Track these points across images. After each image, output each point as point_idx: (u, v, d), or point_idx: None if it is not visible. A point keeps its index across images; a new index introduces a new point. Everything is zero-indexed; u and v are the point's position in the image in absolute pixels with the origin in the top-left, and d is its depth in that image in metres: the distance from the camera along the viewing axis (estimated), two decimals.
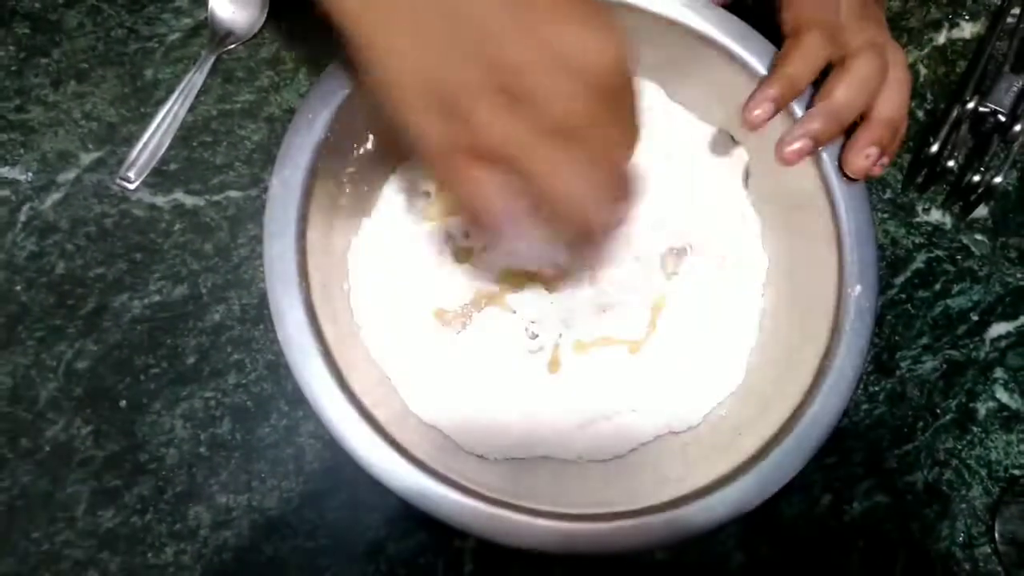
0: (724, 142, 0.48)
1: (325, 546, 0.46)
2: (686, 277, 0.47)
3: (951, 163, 0.52)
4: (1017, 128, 0.51)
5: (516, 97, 0.29)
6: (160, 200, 0.50)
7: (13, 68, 0.51)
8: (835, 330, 0.41)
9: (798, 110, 0.43)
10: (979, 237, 0.54)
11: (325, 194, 0.42)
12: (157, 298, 0.48)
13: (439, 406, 0.44)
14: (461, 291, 0.46)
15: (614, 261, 0.47)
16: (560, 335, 0.46)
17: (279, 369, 0.48)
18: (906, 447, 0.50)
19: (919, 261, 0.54)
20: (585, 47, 0.29)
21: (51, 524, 0.45)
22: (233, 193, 0.50)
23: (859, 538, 0.49)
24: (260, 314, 0.48)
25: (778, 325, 0.46)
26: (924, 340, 0.52)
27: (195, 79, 0.51)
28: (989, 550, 0.49)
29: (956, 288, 0.53)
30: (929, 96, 0.57)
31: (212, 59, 0.52)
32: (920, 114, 0.56)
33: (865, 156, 0.42)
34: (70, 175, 0.50)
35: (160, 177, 0.50)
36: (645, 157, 0.48)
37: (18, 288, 0.48)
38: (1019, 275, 0.54)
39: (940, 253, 0.54)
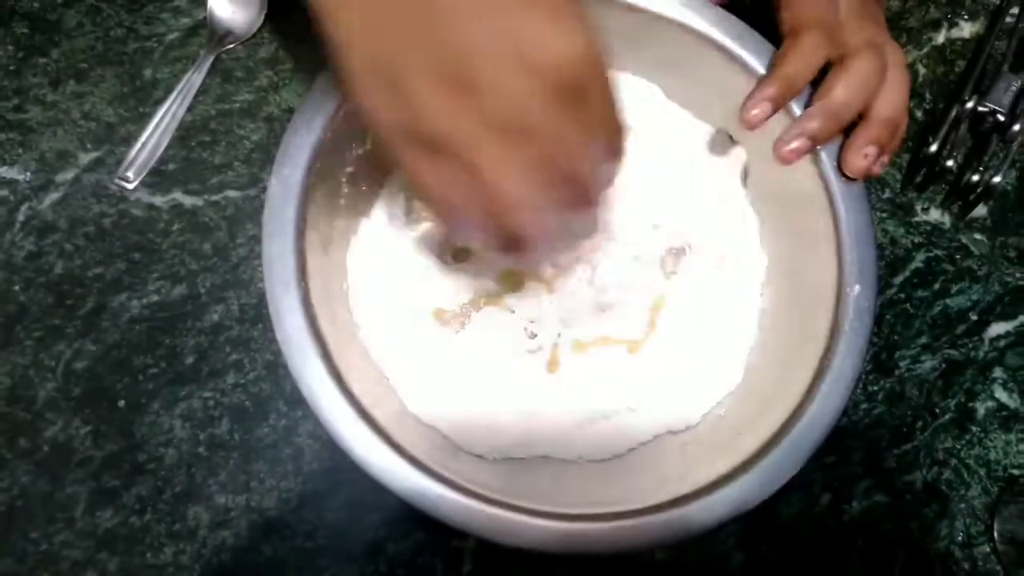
0: (723, 142, 0.48)
1: (324, 546, 0.46)
2: (685, 277, 0.47)
3: (950, 163, 0.52)
4: (1016, 127, 0.51)
5: (461, 85, 0.28)
6: (159, 200, 0.50)
7: (12, 68, 0.51)
8: (834, 330, 0.41)
9: (797, 109, 0.43)
10: (978, 236, 0.54)
11: (324, 194, 0.42)
12: (156, 298, 0.48)
13: (438, 406, 0.44)
14: (460, 291, 0.46)
15: (613, 260, 0.47)
16: (559, 335, 0.46)
17: (278, 369, 0.48)
18: (905, 447, 0.50)
19: (918, 261, 0.54)
20: (547, 41, 0.27)
21: (50, 524, 0.45)
22: (232, 193, 0.50)
23: (858, 537, 0.49)
24: (259, 314, 0.48)
25: (777, 325, 0.46)
26: (923, 340, 0.52)
27: (194, 79, 0.51)
28: (988, 549, 0.49)
29: (955, 288, 0.53)
30: (928, 96, 0.57)
31: (211, 59, 0.52)
32: (919, 114, 0.56)
33: (864, 156, 0.42)
34: (68, 175, 0.50)
35: (159, 177, 0.50)
36: (644, 157, 0.48)
37: (16, 288, 0.48)
38: (1018, 275, 0.54)
39: (939, 253, 0.54)
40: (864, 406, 0.51)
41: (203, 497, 0.46)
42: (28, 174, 0.49)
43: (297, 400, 0.47)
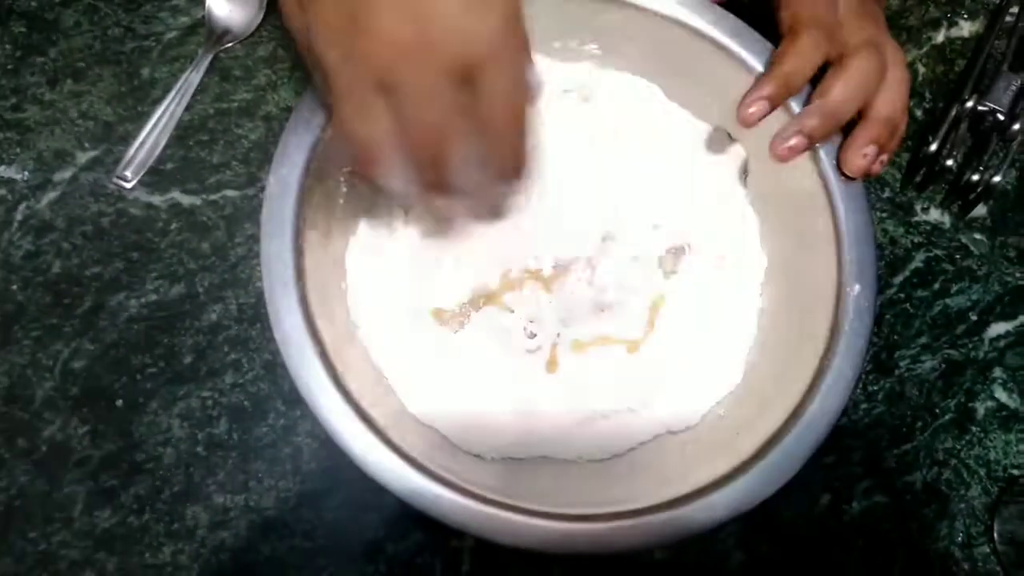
0: (722, 141, 0.48)
1: (323, 546, 0.46)
2: (684, 276, 0.47)
3: (950, 162, 0.52)
4: (1016, 127, 0.51)
5: (360, 29, 0.29)
6: (157, 199, 0.50)
7: (9, 67, 0.51)
8: (834, 330, 0.41)
9: (796, 108, 0.43)
10: (978, 236, 0.54)
11: (323, 194, 0.42)
12: (154, 297, 0.48)
13: (436, 406, 0.44)
14: (459, 290, 0.46)
15: (612, 260, 0.46)
16: (558, 334, 0.46)
17: (276, 369, 0.47)
18: (905, 447, 0.50)
19: (918, 260, 0.53)
20: (446, 20, 0.28)
21: (48, 524, 0.45)
22: (230, 192, 0.50)
23: (858, 538, 0.49)
24: (257, 313, 0.48)
25: (777, 324, 0.46)
26: (923, 339, 0.52)
27: (192, 78, 0.51)
28: (988, 550, 0.49)
29: (955, 287, 0.53)
30: (928, 95, 0.57)
31: (209, 58, 0.52)
32: (919, 113, 0.56)
33: (863, 155, 0.42)
34: (66, 174, 0.50)
35: (157, 176, 0.50)
36: (643, 156, 0.48)
37: (14, 287, 0.48)
38: (1018, 274, 0.54)
39: (939, 252, 0.54)
40: (864, 406, 0.51)
41: (201, 497, 0.46)
42: (26, 173, 0.49)
43: (295, 400, 0.47)
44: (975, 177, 0.51)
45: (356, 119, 0.32)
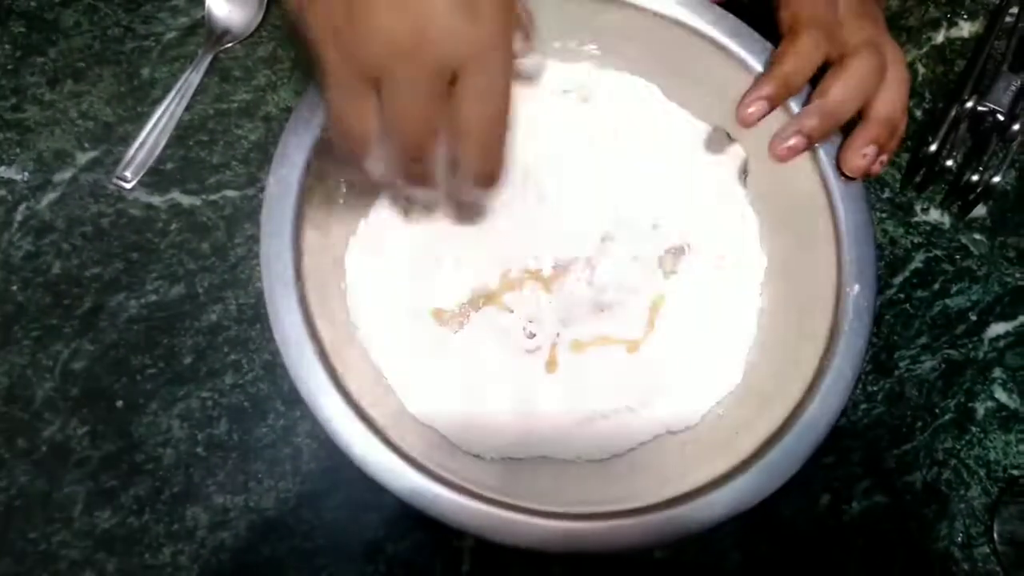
0: (721, 141, 0.48)
1: (323, 546, 0.46)
2: (684, 276, 0.47)
3: (949, 162, 0.52)
4: (1015, 127, 0.51)
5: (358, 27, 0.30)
6: (156, 200, 0.50)
7: (9, 67, 0.51)
8: (833, 330, 0.41)
9: (795, 108, 0.43)
10: (977, 237, 0.54)
11: (323, 194, 0.42)
12: (154, 298, 0.48)
13: (436, 406, 0.44)
14: (459, 290, 0.46)
15: (612, 260, 0.46)
16: (558, 334, 0.46)
17: (276, 369, 0.47)
18: (905, 447, 0.50)
19: (918, 261, 0.53)
20: (435, 22, 0.29)
21: (48, 524, 0.45)
22: (230, 192, 0.50)
23: (858, 538, 0.49)
24: (257, 314, 0.48)
25: (776, 324, 0.46)
26: (923, 340, 0.52)
27: (192, 78, 0.51)
28: (988, 550, 0.49)
29: (955, 288, 0.53)
30: (927, 95, 0.57)
31: (209, 58, 0.52)
32: (918, 113, 0.56)
33: (863, 155, 0.42)
34: (66, 174, 0.50)
35: (156, 176, 0.50)
36: (643, 156, 0.48)
37: (14, 288, 0.48)
38: (1018, 275, 0.54)
39: (939, 253, 0.54)
40: (864, 406, 0.51)
41: (201, 497, 0.46)
42: (26, 174, 0.49)
43: (295, 400, 0.47)
44: (975, 177, 0.51)
45: (347, 109, 0.33)
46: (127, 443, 0.46)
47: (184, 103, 0.51)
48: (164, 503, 0.45)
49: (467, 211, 0.46)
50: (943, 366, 0.52)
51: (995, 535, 0.49)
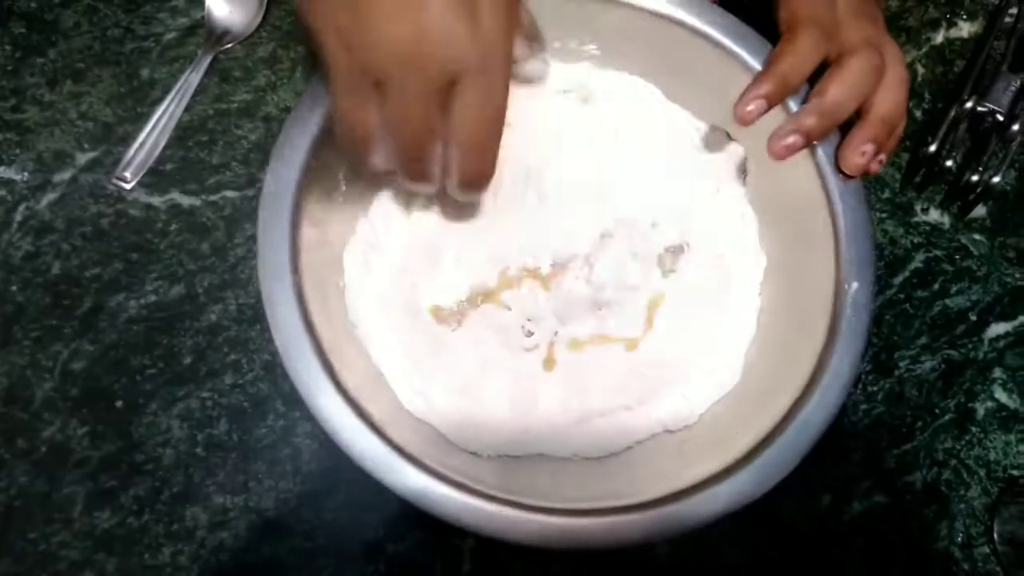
0: (721, 140, 0.48)
1: (323, 546, 0.46)
2: (683, 275, 0.47)
3: (949, 163, 0.52)
4: (1015, 128, 0.51)
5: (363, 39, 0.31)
6: (156, 200, 0.50)
7: (9, 68, 0.51)
8: (832, 328, 0.41)
9: (794, 106, 0.43)
10: (977, 237, 0.54)
11: (321, 191, 0.42)
12: (153, 298, 0.48)
13: (433, 403, 0.44)
14: (457, 288, 0.46)
15: (611, 258, 0.46)
16: (556, 332, 0.46)
17: (276, 369, 0.47)
18: (905, 447, 0.50)
19: (918, 261, 0.53)
20: (435, 32, 0.30)
21: (47, 525, 0.45)
22: (230, 193, 0.50)
23: (858, 538, 0.49)
24: (257, 314, 0.48)
25: (775, 323, 0.46)
26: (923, 340, 0.52)
27: (191, 78, 0.51)
28: (988, 550, 0.49)
29: (954, 288, 0.53)
30: (927, 96, 0.57)
31: (209, 58, 0.52)
32: (918, 114, 0.56)
33: (861, 154, 0.42)
34: (66, 175, 0.50)
35: (156, 177, 0.50)
36: (643, 155, 0.48)
37: (14, 288, 0.48)
38: (1017, 275, 0.54)
39: (938, 253, 0.54)
40: (864, 406, 0.51)
41: (201, 497, 0.46)
42: (25, 174, 0.49)
43: (295, 400, 0.46)
44: (974, 178, 0.52)
45: (351, 108, 0.34)
46: (127, 443, 0.46)
47: (184, 104, 0.51)
48: (164, 503, 0.45)
49: (465, 209, 0.46)
50: (943, 366, 0.52)
51: (995, 535, 0.49)
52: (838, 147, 0.43)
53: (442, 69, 0.31)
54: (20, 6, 0.52)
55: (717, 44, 0.44)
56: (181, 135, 0.51)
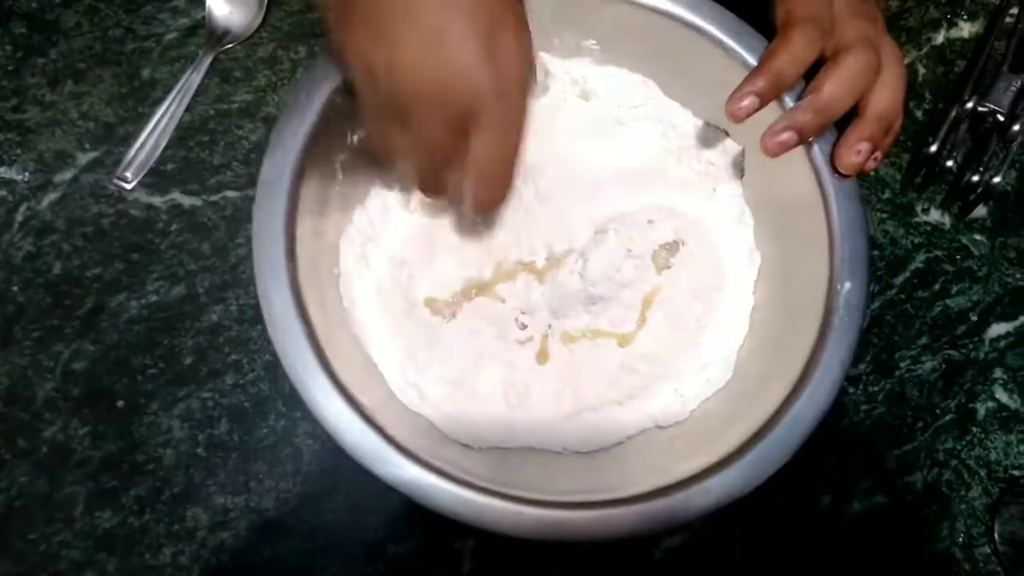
0: (718, 137, 0.48)
1: (323, 547, 0.46)
2: (677, 271, 0.47)
3: (950, 163, 0.52)
4: (1016, 128, 0.51)
5: (389, 78, 0.34)
6: (157, 200, 0.50)
7: (10, 68, 0.51)
8: (824, 326, 0.41)
9: (790, 103, 0.43)
10: (978, 237, 0.54)
11: (318, 180, 0.42)
12: (154, 298, 0.48)
13: (426, 394, 0.44)
14: (452, 280, 0.46)
15: (606, 253, 0.46)
16: (549, 326, 0.46)
17: (277, 370, 0.47)
18: (906, 447, 0.50)
19: (918, 261, 0.53)
20: (455, 69, 0.33)
21: (48, 525, 0.45)
22: (230, 193, 0.50)
23: (859, 538, 0.49)
24: (258, 314, 0.48)
25: (768, 320, 0.46)
26: (923, 340, 0.52)
27: (192, 79, 0.51)
28: (989, 550, 0.49)
29: (955, 288, 0.53)
30: (928, 96, 0.57)
31: (209, 59, 0.52)
32: (919, 114, 0.56)
33: (856, 152, 0.42)
34: (67, 175, 0.50)
35: (157, 177, 0.50)
36: (639, 151, 0.48)
37: (15, 288, 0.48)
38: (1018, 275, 0.54)
39: (939, 253, 0.54)
40: (864, 407, 0.51)
41: (202, 498, 0.46)
42: (26, 174, 0.49)
43: (296, 401, 0.46)
44: (975, 178, 0.51)
45: (378, 131, 0.38)
46: (128, 443, 0.46)
47: (185, 104, 0.51)
48: (165, 503, 0.45)
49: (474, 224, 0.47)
50: (944, 366, 0.52)
51: (996, 535, 0.49)
52: (834, 145, 0.43)
53: (462, 107, 0.33)
54: (21, 6, 0.52)
55: (716, 41, 0.44)
56: (182, 135, 0.51)
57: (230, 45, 0.53)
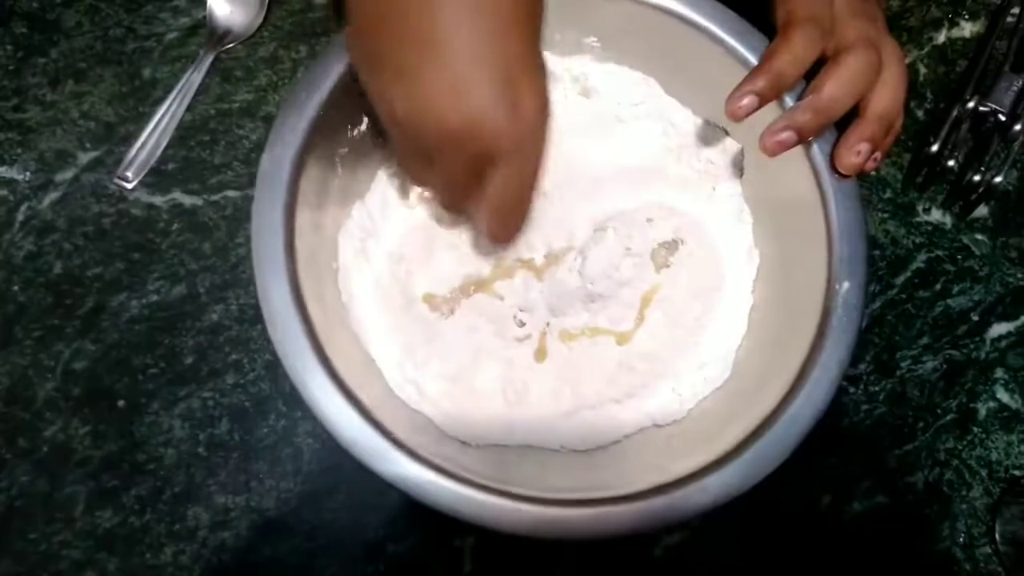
0: (718, 136, 0.48)
1: (324, 546, 0.46)
2: (676, 270, 0.47)
3: (951, 163, 0.52)
4: (1017, 127, 0.51)
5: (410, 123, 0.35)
6: (158, 200, 0.50)
7: (11, 67, 0.51)
8: (822, 325, 0.41)
9: (790, 102, 0.43)
10: (979, 237, 0.54)
11: (317, 174, 0.42)
12: (155, 298, 0.48)
13: (424, 391, 0.44)
14: (450, 277, 0.46)
15: (605, 251, 0.46)
16: (548, 323, 0.46)
17: (277, 369, 0.47)
18: (906, 447, 0.50)
19: (919, 261, 0.53)
20: (476, 112, 0.33)
21: (49, 524, 0.45)
22: (231, 193, 0.50)
23: (859, 538, 0.49)
24: (258, 314, 0.47)
25: (767, 320, 0.46)
26: (924, 340, 0.52)
27: (193, 78, 0.51)
28: (989, 551, 0.49)
29: (956, 288, 0.53)
30: (929, 95, 0.57)
31: (210, 58, 0.52)
32: (920, 113, 0.56)
33: (856, 153, 0.42)
34: (68, 175, 0.50)
35: (158, 176, 0.50)
36: (639, 149, 0.48)
37: (16, 288, 0.48)
38: (1019, 275, 0.54)
39: (940, 253, 0.54)
40: (865, 407, 0.51)
41: (202, 497, 0.46)
42: (27, 174, 0.49)
43: (296, 400, 0.46)
44: (976, 178, 0.51)
45: (404, 163, 0.42)
46: (128, 443, 0.46)
47: (185, 103, 0.51)
48: (165, 503, 0.45)
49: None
50: (945, 366, 0.52)
51: (997, 535, 0.49)
52: (834, 145, 0.43)
53: (482, 150, 0.34)
54: (22, 6, 0.52)
55: (717, 40, 0.44)
56: (183, 135, 0.51)
57: (231, 44, 0.53)
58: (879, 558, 0.49)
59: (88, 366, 0.47)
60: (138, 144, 0.50)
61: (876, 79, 0.42)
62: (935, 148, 0.52)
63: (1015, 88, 0.52)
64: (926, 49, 0.58)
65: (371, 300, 0.45)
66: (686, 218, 0.48)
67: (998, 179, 0.51)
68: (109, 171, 0.50)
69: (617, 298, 0.46)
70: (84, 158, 0.50)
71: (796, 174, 0.44)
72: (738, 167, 0.48)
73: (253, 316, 0.48)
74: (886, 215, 0.54)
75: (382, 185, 0.47)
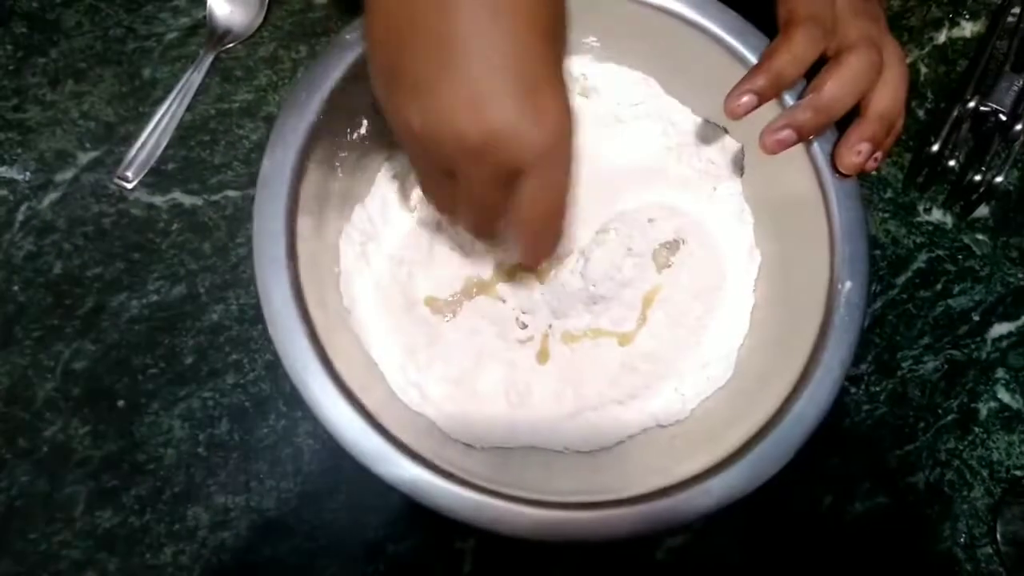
0: (718, 136, 0.48)
1: (324, 546, 0.46)
2: (678, 270, 0.47)
3: (952, 163, 0.52)
4: (1018, 127, 0.51)
5: (431, 135, 0.33)
6: (158, 200, 0.50)
7: (11, 67, 0.51)
8: (824, 325, 0.41)
9: (790, 101, 0.43)
10: (980, 237, 0.54)
11: (318, 177, 0.42)
12: (155, 298, 0.48)
13: (427, 394, 0.44)
14: (452, 279, 0.46)
15: (606, 253, 0.46)
16: (550, 325, 0.46)
17: (277, 369, 0.47)
18: (907, 447, 0.50)
19: (920, 261, 0.53)
20: (505, 127, 0.31)
21: (49, 524, 0.45)
22: (231, 192, 0.50)
23: (860, 538, 0.49)
24: (258, 314, 0.48)
25: (769, 319, 0.46)
26: (925, 340, 0.52)
27: (193, 78, 0.51)
28: (991, 551, 0.49)
29: (957, 288, 0.53)
30: (930, 95, 0.57)
31: (210, 58, 0.52)
32: (921, 113, 0.56)
33: (857, 152, 0.42)
34: (68, 174, 0.50)
35: (158, 176, 0.50)
36: (640, 149, 0.48)
37: (15, 288, 0.48)
38: (1020, 275, 0.54)
39: (941, 253, 0.54)
40: (866, 407, 0.51)
41: (202, 497, 0.46)
42: (27, 174, 0.49)
43: (297, 400, 0.46)
44: (977, 177, 0.51)
45: (427, 185, 0.39)
46: (128, 443, 0.46)
47: (185, 103, 0.51)
48: (165, 503, 0.45)
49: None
50: (946, 366, 0.52)
51: (998, 536, 0.49)
52: (835, 145, 0.43)
53: (507, 164, 0.33)
54: (22, 6, 0.52)
55: (717, 39, 0.44)
56: (183, 135, 0.51)
57: (231, 44, 0.53)
58: (880, 559, 0.49)
59: (88, 366, 0.47)
60: (138, 144, 0.50)
61: (877, 79, 0.41)
62: (936, 148, 0.52)
63: (1016, 88, 0.52)
64: (927, 49, 0.58)
65: (373, 303, 0.45)
66: (687, 218, 0.48)
67: (999, 179, 0.51)
68: (109, 171, 0.50)
69: (619, 299, 0.46)
70: (84, 158, 0.50)
71: (797, 173, 0.44)
72: (738, 166, 0.48)
73: (253, 316, 0.48)
74: (887, 215, 0.54)
75: (382, 188, 0.47)
